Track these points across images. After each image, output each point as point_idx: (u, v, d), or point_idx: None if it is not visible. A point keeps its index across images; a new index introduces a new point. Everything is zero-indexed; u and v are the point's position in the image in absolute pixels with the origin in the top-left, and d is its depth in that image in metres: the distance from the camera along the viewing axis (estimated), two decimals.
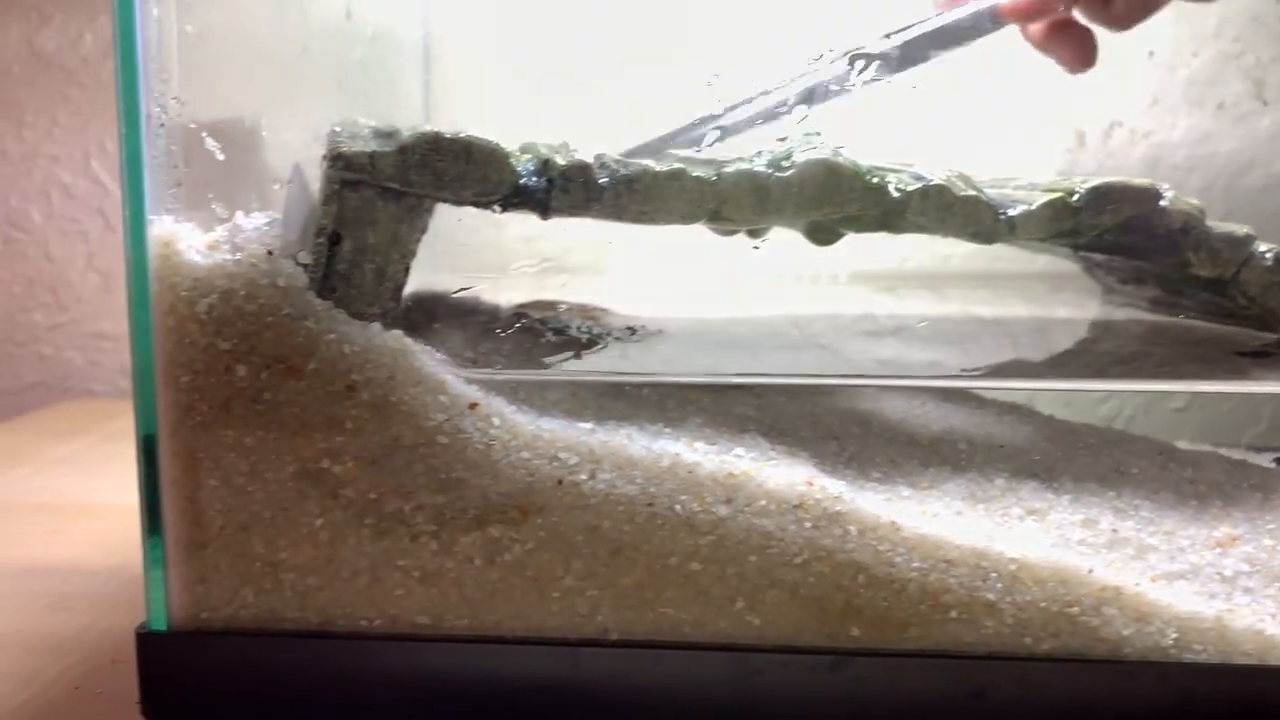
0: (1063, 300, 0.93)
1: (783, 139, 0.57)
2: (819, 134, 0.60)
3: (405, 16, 0.95)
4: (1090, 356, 0.72)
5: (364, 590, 0.53)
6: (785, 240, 0.66)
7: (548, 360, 0.59)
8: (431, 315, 0.59)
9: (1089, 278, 0.87)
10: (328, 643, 0.53)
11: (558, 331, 0.62)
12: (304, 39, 0.72)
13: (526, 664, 0.52)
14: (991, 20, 0.73)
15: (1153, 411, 0.99)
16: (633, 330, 0.66)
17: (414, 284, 0.64)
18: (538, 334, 0.60)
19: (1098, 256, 0.74)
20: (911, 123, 0.88)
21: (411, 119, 0.95)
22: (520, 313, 0.62)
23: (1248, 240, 0.64)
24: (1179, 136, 1.05)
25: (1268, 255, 0.64)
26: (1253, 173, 1.08)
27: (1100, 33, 1.02)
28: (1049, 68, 1.01)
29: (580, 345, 0.61)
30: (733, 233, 0.64)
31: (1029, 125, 1.05)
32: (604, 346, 0.63)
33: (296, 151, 0.58)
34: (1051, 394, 0.77)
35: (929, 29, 0.70)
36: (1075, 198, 0.61)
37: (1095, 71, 1.05)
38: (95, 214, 1.33)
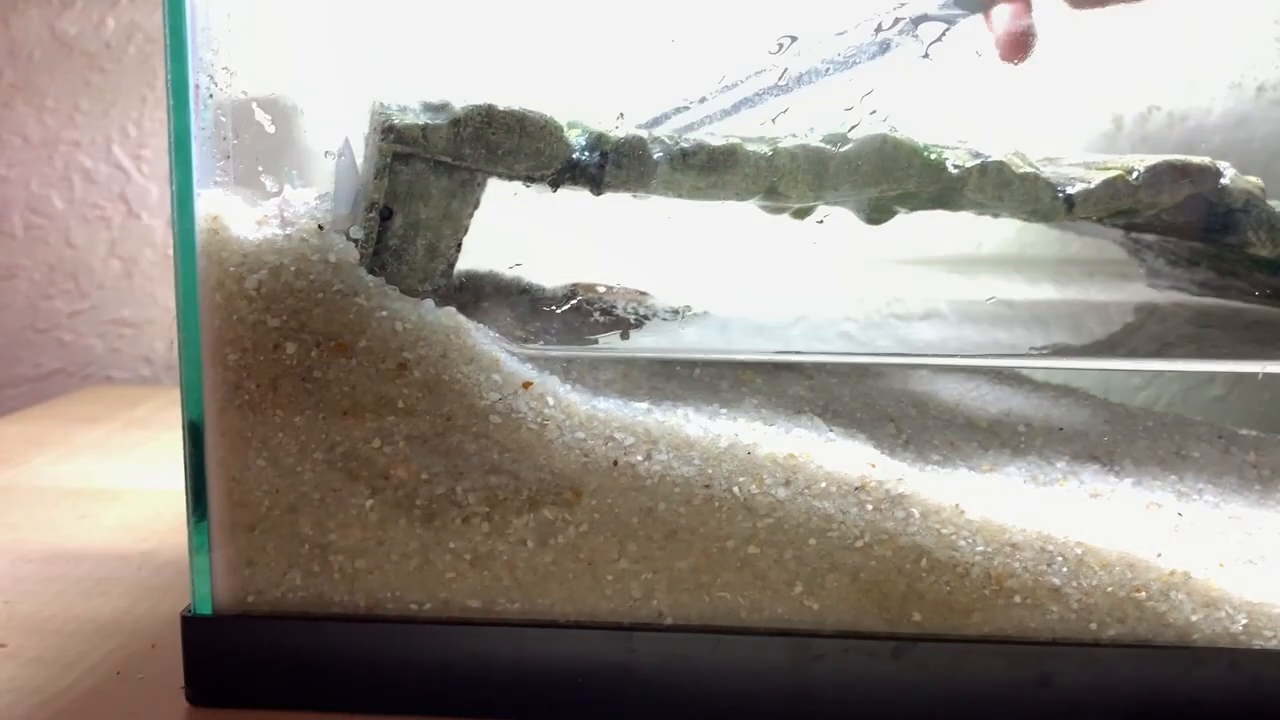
0: (1102, 284, 0.92)
1: (849, 108, 0.56)
2: (874, 111, 0.59)
3: None
4: (1138, 340, 0.71)
5: (414, 573, 0.52)
6: (826, 223, 0.65)
7: (598, 339, 0.58)
8: (479, 294, 0.58)
9: (1133, 260, 0.85)
10: (377, 626, 0.52)
11: (605, 312, 0.61)
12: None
13: (580, 648, 0.51)
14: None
15: (1190, 399, 0.97)
16: (677, 312, 0.65)
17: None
18: (586, 314, 0.59)
19: (1148, 237, 0.73)
20: (939, 102, 0.87)
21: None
22: (573, 290, 0.61)
23: None
24: (1215, 120, 1.03)
25: None
26: None
27: (1140, 11, 1.00)
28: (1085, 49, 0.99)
29: (628, 325, 0.60)
30: (781, 210, 0.63)
31: (1062, 107, 1.03)
32: (651, 327, 0.61)
33: (343, 125, 0.57)
34: (1091, 380, 0.76)
35: None
36: (1134, 176, 0.60)
37: (1135, 52, 1.03)
38: (117, 200, 1.32)
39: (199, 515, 0.52)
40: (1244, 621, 0.50)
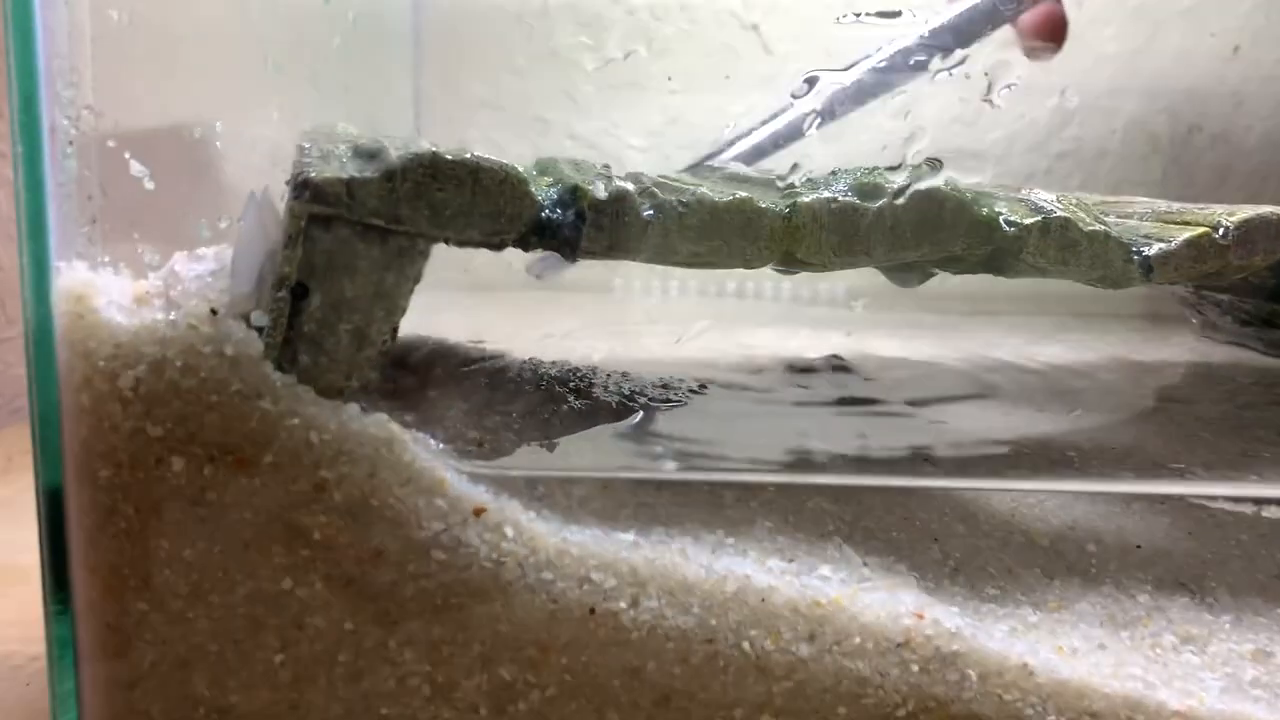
0: (1144, 333, 0.82)
1: (894, 168, 0.45)
2: (939, 162, 0.48)
3: (392, 10, 0.83)
4: (1217, 422, 0.60)
5: None
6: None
7: (571, 438, 0.47)
8: (425, 378, 0.47)
9: (1181, 307, 0.75)
10: None
11: (579, 392, 0.50)
12: (271, 26, 0.60)
13: None
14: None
15: None
16: (666, 386, 0.54)
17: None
18: (556, 397, 0.48)
19: (1221, 296, 0.62)
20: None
21: (401, 119, 0.83)
22: (546, 377, 0.50)
23: None
24: (1256, 139, 0.93)
25: None
26: None
27: (1152, 18, 0.90)
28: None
29: (610, 413, 0.49)
30: (814, 270, 0.52)
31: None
32: (638, 414, 0.51)
33: (261, 170, 0.46)
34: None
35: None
36: (1221, 233, 0.50)
37: (1161, 65, 0.93)
38: None
39: (65, 668, 0.41)
40: None
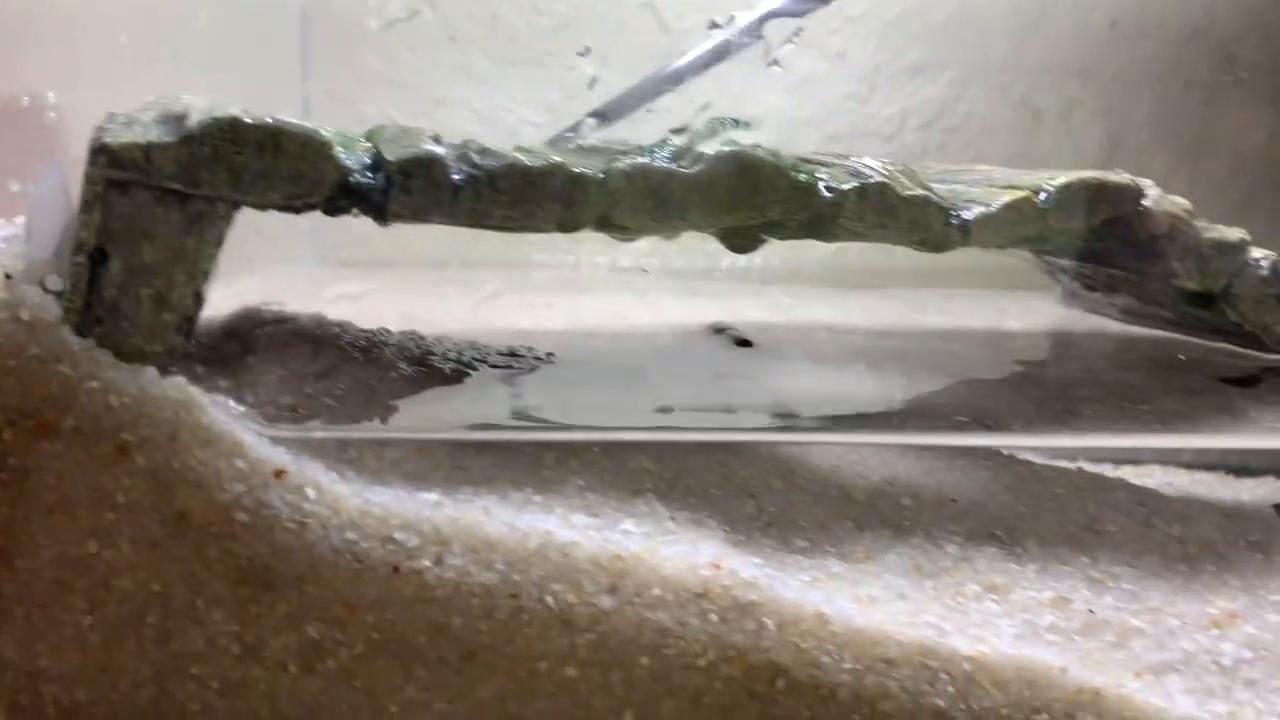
0: (1021, 303, 0.84)
1: (679, 130, 0.46)
2: (745, 122, 0.49)
3: None
4: (1060, 382, 0.62)
5: (149, 705, 0.41)
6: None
7: (398, 403, 0.47)
8: (249, 344, 0.48)
9: (1048, 277, 0.77)
10: None
11: (416, 361, 0.50)
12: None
13: None
14: None
15: None
16: (514, 355, 0.55)
17: (243, 300, 0.52)
18: (385, 365, 0.49)
19: (1064, 261, 0.64)
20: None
21: (285, 99, 0.83)
22: (376, 340, 0.50)
23: (1241, 247, 0.54)
24: (1142, 116, 0.95)
25: (1262, 264, 0.55)
26: (1218, 155, 0.98)
27: (1062, 5, 0.92)
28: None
29: (443, 379, 0.50)
30: (632, 238, 0.53)
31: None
32: (477, 381, 0.51)
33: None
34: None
35: None
36: (1042, 197, 0.51)
37: (1051, 43, 0.95)
38: None
39: None
40: None
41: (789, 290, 0.81)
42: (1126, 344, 0.64)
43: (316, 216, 0.47)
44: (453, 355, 0.53)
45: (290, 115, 0.42)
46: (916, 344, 0.70)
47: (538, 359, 0.55)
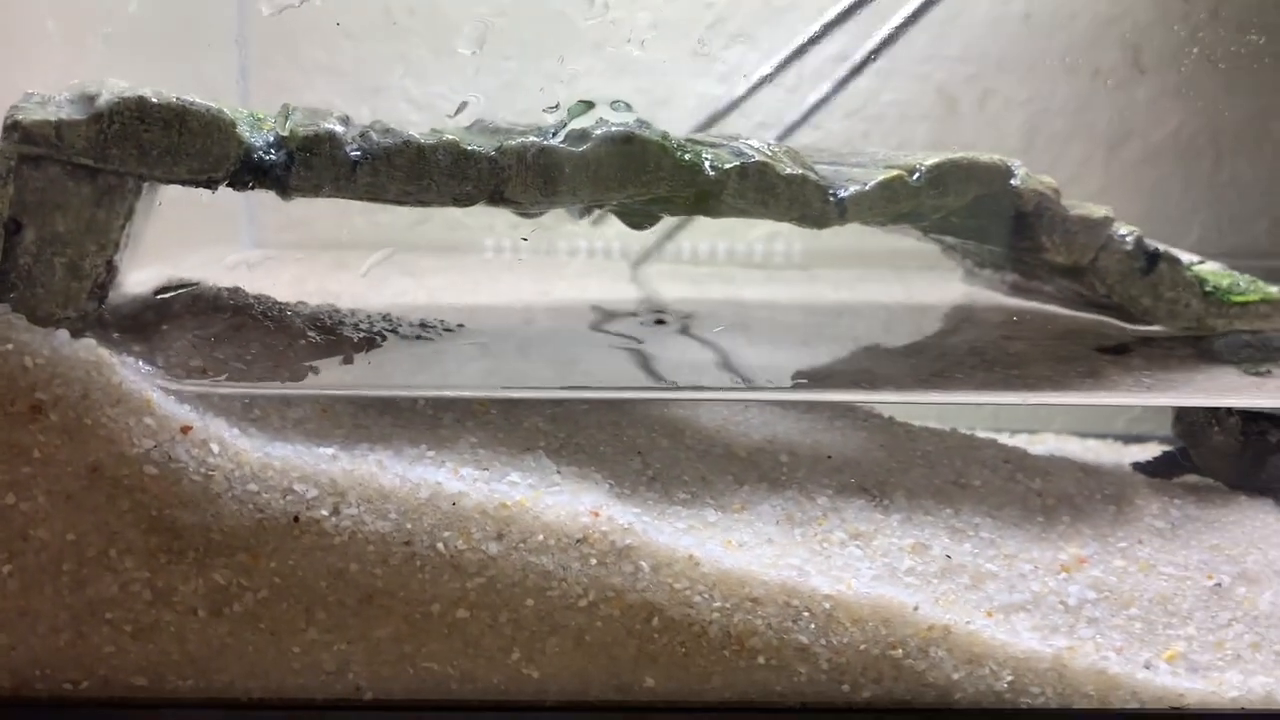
0: (928, 282, 0.88)
1: (552, 108, 0.50)
2: (625, 103, 0.53)
3: None
4: (946, 350, 0.66)
5: (66, 648, 0.44)
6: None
7: (308, 366, 0.50)
8: (165, 315, 0.50)
9: (947, 257, 0.81)
10: (24, 710, 0.44)
11: (325, 330, 0.53)
12: None
13: None
14: None
15: None
16: (424, 326, 0.58)
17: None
18: (295, 333, 0.52)
19: (949, 239, 0.68)
20: None
21: (224, 84, 0.85)
22: (289, 311, 0.53)
23: (1105, 223, 0.58)
24: (1059, 104, 0.99)
25: (1127, 239, 0.59)
26: (1132, 142, 1.03)
27: None
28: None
29: (352, 347, 0.52)
30: (530, 215, 0.56)
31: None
32: (390, 348, 0.54)
33: None
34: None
35: None
36: (915, 177, 0.55)
37: (965, 35, 0.99)
38: None
39: None
40: (1009, 678, 0.45)
41: (718, 273, 0.85)
42: (1013, 316, 0.68)
43: (255, 200, 0.50)
44: (364, 326, 0.56)
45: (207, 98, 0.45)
46: (828, 318, 0.73)
47: (447, 329, 0.58)
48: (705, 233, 0.89)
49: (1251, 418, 0.58)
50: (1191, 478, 0.60)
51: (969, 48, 0.96)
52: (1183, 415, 0.62)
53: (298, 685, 0.45)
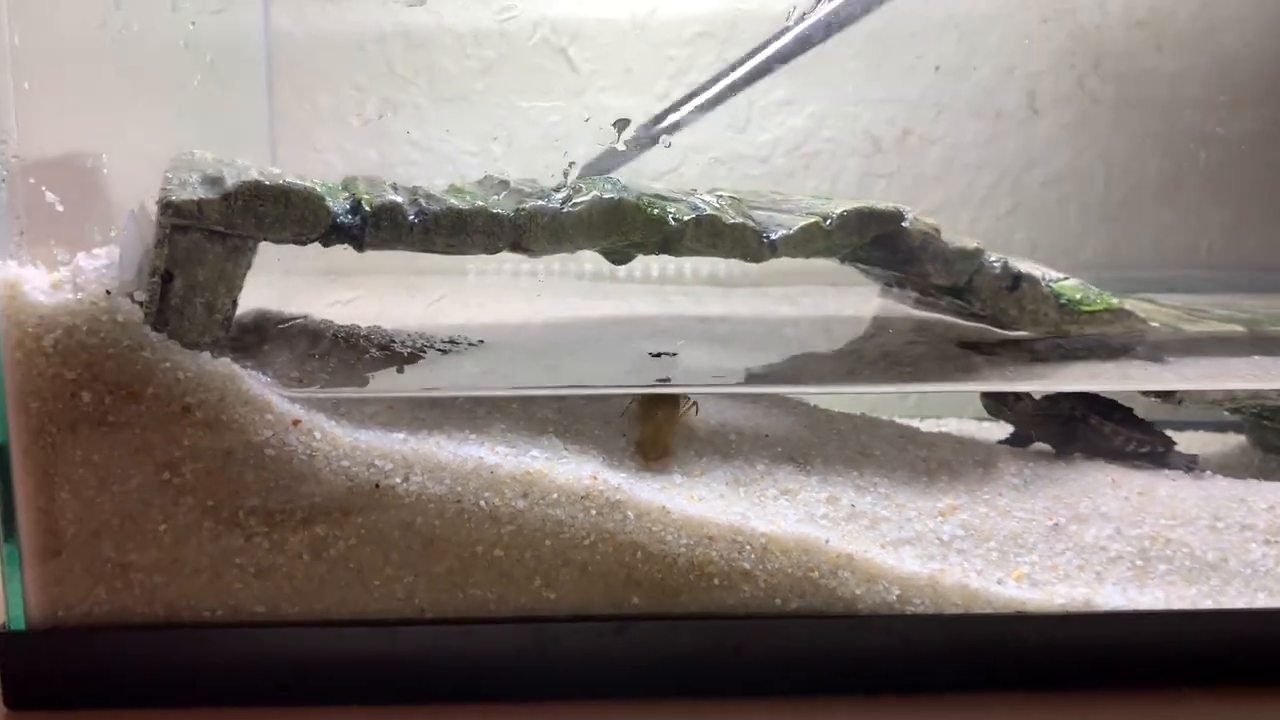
0: (858, 296, 1.05)
1: (559, 188, 0.66)
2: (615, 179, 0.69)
3: (245, 39, 1.00)
4: (863, 353, 0.83)
5: (206, 585, 0.60)
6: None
7: (370, 375, 0.67)
8: (265, 338, 0.66)
9: (866, 275, 0.98)
10: (175, 633, 0.60)
11: (381, 347, 0.70)
12: (140, 70, 0.77)
13: (352, 643, 0.60)
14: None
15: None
16: (454, 342, 0.74)
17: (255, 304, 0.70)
18: (361, 350, 0.68)
19: (862, 266, 0.85)
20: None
21: (256, 134, 1.01)
22: (339, 333, 0.69)
23: (977, 253, 0.75)
24: (969, 139, 1.17)
25: (996, 265, 0.76)
26: (1034, 170, 1.21)
27: (888, 48, 1.14)
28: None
29: (402, 360, 0.69)
30: (537, 256, 0.73)
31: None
32: (427, 361, 0.70)
33: (138, 184, 0.64)
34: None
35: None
36: (828, 222, 0.72)
37: (886, 83, 1.17)
38: None
39: (9, 540, 0.59)
40: (897, 593, 0.62)
41: (684, 290, 1.02)
42: (922, 324, 0.85)
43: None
44: (408, 343, 0.72)
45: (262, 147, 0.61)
46: (775, 328, 0.90)
47: (470, 344, 0.74)
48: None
49: (1064, 397, 0.76)
50: (1046, 447, 0.78)
51: (890, 92, 1.14)
52: (987, 395, 0.80)
53: (377, 609, 0.61)
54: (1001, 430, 0.93)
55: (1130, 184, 1.21)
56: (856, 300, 1.03)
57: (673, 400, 0.68)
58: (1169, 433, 1.06)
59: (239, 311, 0.66)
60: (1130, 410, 0.81)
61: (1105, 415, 0.78)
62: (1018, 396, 0.77)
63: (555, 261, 0.97)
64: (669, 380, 0.69)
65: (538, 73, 1.05)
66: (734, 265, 1.09)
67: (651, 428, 0.66)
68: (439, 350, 0.72)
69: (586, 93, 1.09)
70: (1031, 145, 1.19)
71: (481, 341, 0.76)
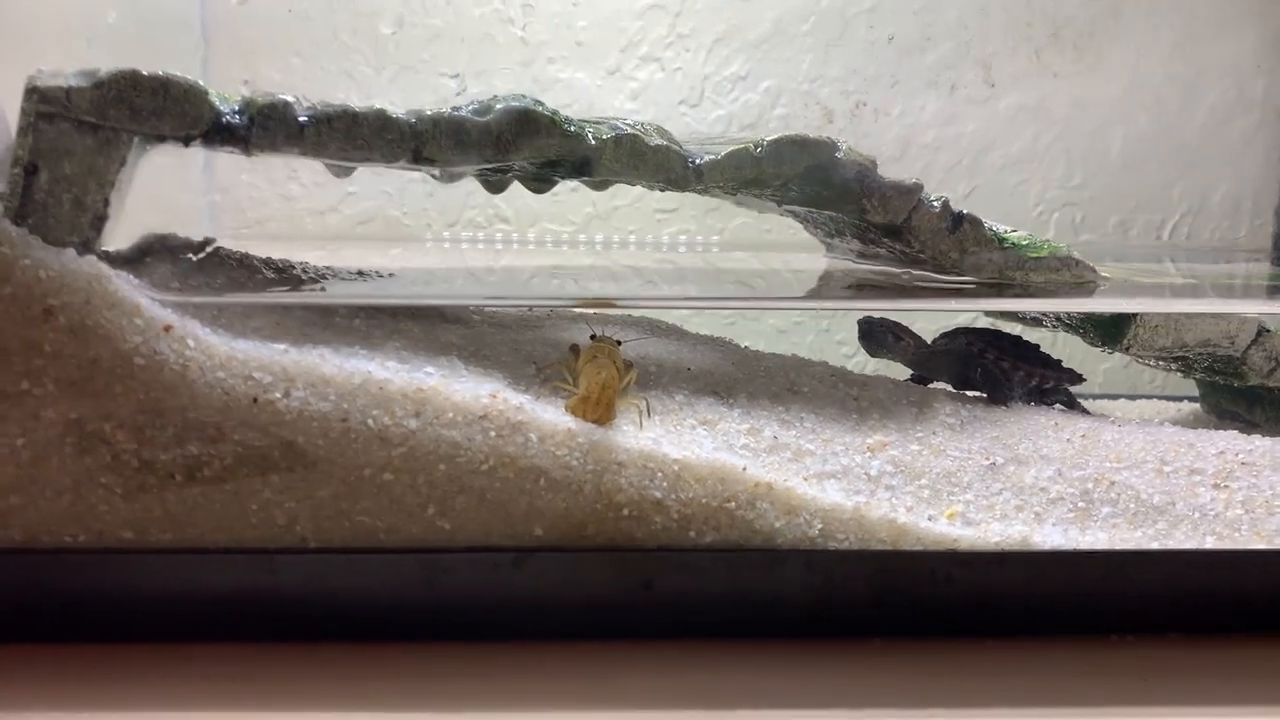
0: (809, 258, 1.02)
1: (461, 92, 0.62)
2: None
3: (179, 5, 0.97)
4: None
5: (68, 508, 0.55)
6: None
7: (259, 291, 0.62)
8: (148, 252, 0.62)
9: (817, 240, 0.95)
10: (32, 559, 0.55)
11: (278, 270, 0.65)
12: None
13: (228, 573, 0.56)
14: None
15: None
16: (361, 274, 0.70)
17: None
18: (253, 270, 0.63)
19: (800, 210, 0.81)
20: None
21: None
22: (233, 255, 0.65)
23: (916, 189, 0.72)
24: (929, 116, 1.14)
25: (935, 203, 0.72)
26: (993, 152, 1.19)
27: (841, 15, 1.11)
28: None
29: (298, 282, 0.64)
30: (453, 178, 0.69)
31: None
32: (329, 285, 0.66)
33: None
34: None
35: None
36: (758, 149, 0.68)
37: (846, 57, 1.14)
38: None
39: None
40: (820, 526, 0.58)
41: (667, 257, 0.98)
42: (861, 278, 0.82)
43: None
44: (311, 272, 0.68)
45: None
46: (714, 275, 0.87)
47: (380, 276, 0.70)
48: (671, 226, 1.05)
49: (961, 333, 0.73)
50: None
51: (844, 68, 1.11)
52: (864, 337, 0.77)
53: (255, 536, 0.56)
54: None
55: (1094, 166, 1.19)
56: (807, 260, 1.00)
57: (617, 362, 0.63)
58: (1122, 400, 1.03)
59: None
60: (1036, 346, 0.78)
61: (1007, 351, 0.74)
62: (897, 336, 0.73)
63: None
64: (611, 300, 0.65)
65: (484, 43, 1.02)
66: (696, 230, 1.06)
67: (596, 385, 0.59)
68: (343, 280, 0.68)
69: (535, 63, 1.06)
70: (989, 120, 1.17)
71: (393, 275, 0.71)
